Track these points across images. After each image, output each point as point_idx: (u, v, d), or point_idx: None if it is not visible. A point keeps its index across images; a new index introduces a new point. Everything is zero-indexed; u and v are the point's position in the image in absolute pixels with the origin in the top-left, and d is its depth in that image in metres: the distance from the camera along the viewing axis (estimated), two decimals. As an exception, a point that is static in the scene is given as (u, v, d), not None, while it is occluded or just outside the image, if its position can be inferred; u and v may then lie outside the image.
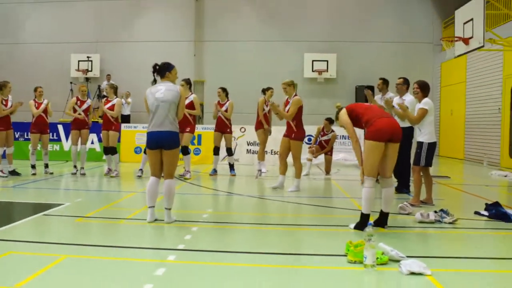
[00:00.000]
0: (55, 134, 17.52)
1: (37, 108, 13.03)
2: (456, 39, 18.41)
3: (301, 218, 7.88)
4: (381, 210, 7.03)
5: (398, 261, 5.24)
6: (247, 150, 17.34)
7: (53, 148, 17.46)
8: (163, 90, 7.27)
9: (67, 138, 17.30)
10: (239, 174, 13.91)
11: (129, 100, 22.46)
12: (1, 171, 12.37)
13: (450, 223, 7.32)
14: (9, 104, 12.55)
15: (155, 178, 7.25)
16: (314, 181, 13.06)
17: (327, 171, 14.30)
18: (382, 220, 7.02)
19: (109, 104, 13.02)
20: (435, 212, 7.54)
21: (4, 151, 12.65)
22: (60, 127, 17.72)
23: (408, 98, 10.15)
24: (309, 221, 7.77)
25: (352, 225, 6.97)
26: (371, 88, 16.39)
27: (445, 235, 6.83)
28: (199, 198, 9.95)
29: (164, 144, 7.01)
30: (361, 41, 23.18)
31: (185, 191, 10.72)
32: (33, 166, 13.02)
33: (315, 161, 15.17)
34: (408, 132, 9.97)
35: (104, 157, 13.56)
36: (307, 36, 23.24)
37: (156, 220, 7.30)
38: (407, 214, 8.08)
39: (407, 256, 5.34)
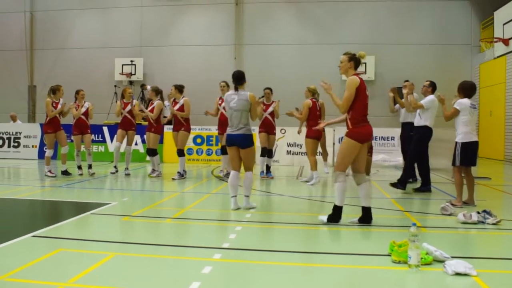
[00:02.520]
0: (99, 135, 17.77)
1: (77, 110, 13.26)
2: (495, 40, 18.04)
3: (343, 218, 7.80)
4: (363, 207, 7.16)
5: (442, 261, 5.14)
6: (287, 151, 17.33)
7: (98, 149, 17.72)
8: (236, 99, 8.20)
9: (111, 140, 17.53)
10: (279, 176, 13.89)
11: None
12: (50, 171, 12.62)
13: (493, 224, 7.15)
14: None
15: (235, 171, 8.24)
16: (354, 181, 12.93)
17: (367, 172, 14.11)
18: (367, 216, 7.15)
19: (150, 107, 13.22)
20: (478, 213, 7.37)
21: (55, 152, 12.95)
22: (105, 129, 17.96)
23: (428, 97, 10.55)
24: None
25: (324, 218, 7.14)
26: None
27: (489, 236, 6.67)
28: (240, 199, 9.93)
29: (239, 144, 8.03)
30: (399, 43, 22.90)
31: (226, 191, 10.75)
32: (79, 167, 13.28)
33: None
34: (423, 131, 10.39)
35: (148, 158, 13.71)
36: (345, 39, 23.04)
37: (238, 208, 8.16)
38: (449, 214, 7.92)
39: (452, 257, 5.22)
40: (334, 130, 17.19)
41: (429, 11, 23.05)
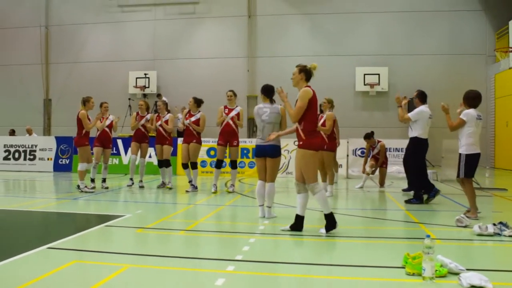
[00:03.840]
0: (114, 148, 17.89)
1: (101, 122, 13.32)
2: (511, 49, 17.94)
3: (356, 230, 7.77)
4: (297, 215, 7.39)
5: (457, 273, 5.10)
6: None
7: (112, 161, 17.82)
8: (268, 112, 8.62)
9: (126, 152, 17.64)
10: (292, 187, 13.86)
11: (186, 115, 22.85)
12: (86, 186, 12.47)
13: (510, 236, 7.08)
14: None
15: (262, 181, 8.53)
16: (368, 193, 12.90)
17: (381, 184, 14.08)
18: (299, 224, 7.37)
19: (162, 120, 13.35)
20: (494, 224, 7.31)
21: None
22: (119, 142, 18.09)
23: (416, 109, 10.79)
24: (364, 233, 7.66)
25: (323, 230, 7.22)
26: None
27: (506, 249, 6.61)
28: (254, 211, 9.95)
29: (270, 154, 8.39)
30: (412, 54, 22.87)
31: (240, 203, 10.79)
32: (93, 180, 13.17)
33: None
34: (414, 143, 10.64)
35: (160, 170, 13.78)
36: (358, 50, 23.09)
37: (264, 216, 8.45)
38: (464, 226, 7.87)
39: (467, 269, 5.19)
40: (348, 142, 17.17)
41: (442, 20, 23.02)
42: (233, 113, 12.46)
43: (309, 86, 7.36)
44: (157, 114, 13.77)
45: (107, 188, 13.26)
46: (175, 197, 11.88)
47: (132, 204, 10.73)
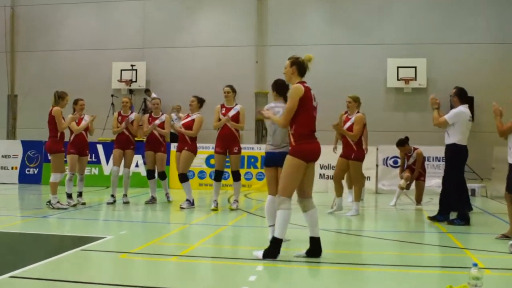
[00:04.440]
0: (93, 155, 17.96)
1: (78, 124, 13.15)
2: None
3: (387, 256, 7.72)
4: (311, 237, 7.33)
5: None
6: (320, 175, 17.31)
7: (91, 171, 17.89)
8: (281, 113, 8.11)
9: (107, 161, 17.70)
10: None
11: (181, 115, 22.66)
12: (59, 202, 12.33)
13: None
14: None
15: (273, 196, 8.21)
16: (402, 212, 12.86)
17: (418, 201, 14.00)
18: (315, 248, 7.32)
19: (157, 122, 13.37)
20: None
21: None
22: (100, 148, 18.16)
23: (454, 110, 10.85)
24: (396, 260, 7.62)
25: (259, 253, 7.17)
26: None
27: None
28: (263, 232, 9.92)
29: (281, 163, 7.78)
30: (457, 43, 22.75)
31: (245, 223, 10.77)
32: (70, 195, 13.00)
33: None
34: (452, 151, 10.70)
35: (149, 183, 13.78)
36: (386, 38, 22.94)
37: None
38: (520, 253, 7.80)
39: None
40: (377, 149, 17.13)
41: (490, 2, 22.89)
42: (231, 113, 12.45)
43: (302, 82, 7.40)
44: (149, 114, 13.81)
45: (84, 204, 13.24)
46: (167, 215, 11.89)
47: (114, 223, 10.72)
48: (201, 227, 10.48)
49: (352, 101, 12.04)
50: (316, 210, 7.36)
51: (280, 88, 8.79)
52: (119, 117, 13.66)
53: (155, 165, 13.65)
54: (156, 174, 13.73)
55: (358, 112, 11.97)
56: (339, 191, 12.08)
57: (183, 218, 11.56)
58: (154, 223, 10.92)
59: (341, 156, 12.17)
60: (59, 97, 12.32)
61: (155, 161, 13.58)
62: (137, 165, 17.58)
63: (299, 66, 7.52)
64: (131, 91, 23.73)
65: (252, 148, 17.67)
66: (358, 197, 12.09)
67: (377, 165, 17.07)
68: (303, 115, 7.23)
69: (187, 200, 12.75)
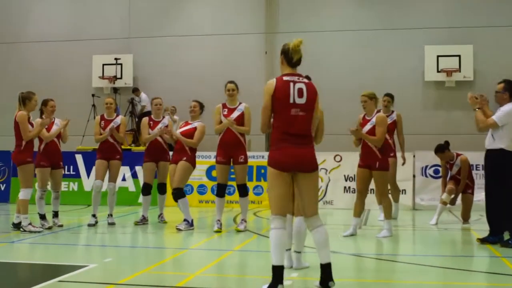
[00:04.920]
0: (71, 167, 18.01)
1: (48, 130, 13.06)
2: None
3: (428, 286, 7.70)
4: (321, 264, 7.18)
5: None
6: (345, 188, 17.31)
7: (69, 187, 17.92)
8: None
9: (88, 174, 17.75)
10: (334, 223, 13.86)
11: (176, 117, 22.58)
12: (31, 224, 12.27)
13: None
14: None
15: (288, 215, 8.06)
16: (446, 232, 12.82)
17: (465, 218, 13.91)
18: (325, 277, 7.14)
19: (160, 125, 13.62)
20: None
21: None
22: (79, 158, 18.21)
23: (504, 108, 10.70)
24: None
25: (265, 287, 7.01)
26: None
27: None
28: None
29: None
30: (508, 25, 22.67)
31: (254, 247, 10.76)
32: (43, 217, 12.99)
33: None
34: (497, 157, 10.61)
35: (141, 199, 13.85)
36: (422, 22, 22.85)
37: (291, 267, 8.27)
38: None
39: None
40: (414, 156, 17.10)
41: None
42: (235, 115, 12.45)
43: (288, 74, 7.32)
44: (148, 117, 13.94)
45: (60, 226, 13.22)
46: (161, 239, 11.89)
47: (97, 249, 10.73)
48: (201, 252, 10.49)
49: (368, 99, 11.76)
50: (323, 228, 7.21)
51: None
52: (102, 122, 13.68)
53: (153, 178, 13.77)
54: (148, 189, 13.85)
55: (378, 111, 11.86)
56: (357, 209, 11.94)
57: (180, 242, 11.57)
58: (146, 248, 10.91)
59: (360, 166, 11.86)
60: (25, 99, 12.23)
61: (155, 173, 13.76)
62: (124, 179, 17.62)
63: (285, 55, 7.45)
64: (115, 90, 23.79)
65: (262, 157, 17.55)
66: (389, 215, 11.91)
67: (414, 176, 17.04)
68: (277, 116, 7.16)
69: (185, 220, 12.76)
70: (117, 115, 13.88)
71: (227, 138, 12.37)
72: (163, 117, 13.93)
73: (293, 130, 7.07)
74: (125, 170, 17.47)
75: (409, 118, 17.52)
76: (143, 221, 13.69)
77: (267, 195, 16.85)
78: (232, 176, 12.71)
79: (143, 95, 23.14)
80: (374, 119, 11.66)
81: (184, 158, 12.80)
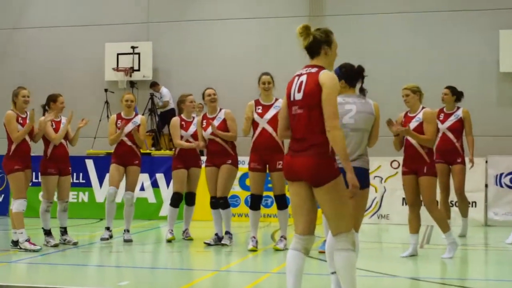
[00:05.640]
0: (81, 175, 18.12)
1: (56, 130, 13.06)
2: None
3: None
4: None
5: None
6: (404, 199, 17.23)
7: (78, 197, 18.03)
8: (354, 111, 8.18)
9: (101, 183, 17.82)
10: (390, 241, 13.84)
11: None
12: (29, 241, 12.20)
13: None
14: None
15: None
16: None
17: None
18: None
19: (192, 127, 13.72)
20: None
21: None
22: (89, 164, 18.29)
23: None
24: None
25: None
26: None
27: None
28: (323, 283, 9.94)
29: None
30: None
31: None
32: (48, 232, 13.03)
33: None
34: None
35: (164, 211, 13.93)
36: (503, 1, 22.78)
37: None
38: None
39: None
40: (486, 162, 16.97)
41: None
42: (271, 114, 12.38)
43: (306, 66, 7.21)
44: (179, 117, 14.04)
45: (75, 244, 13.15)
46: (187, 258, 11.95)
47: (112, 270, 10.79)
48: (233, 275, 10.54)
49: (411, 93, 11.65)
50: (345, 253, 6.96)
51: (351, 76, 8.68)
52: (119, 121, 13.70)
53: (184, 187, 13.85)
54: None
55: (424, 108, 11.66)
56: (413, 225, 11.76)
57: (209, 262, 11.62)
58: (169, 270, 10.92)
59: (406, 173, 11.78)
60: (13, 96, 12.48)
61: (186, 181, 13.82)
62: (142, 188, 17.64)
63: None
64: (132, 84, 23.76)
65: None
66: (446, 227, 11.64)
67: (486, 186, 16.88)
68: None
69: (227, 233, 12.96)
70: (136, 114, 13.95)
71: (262, 141, 12.31)
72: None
73: (293, 133, 7.05)
74: (143, 178, 17.45)
75: (480, 117, 17.47)
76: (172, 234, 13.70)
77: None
78: (269, 185, 12.73)
79: (164, 90, 23.19)
80: (420, 116, 11.54)
81: (229, 161, 12.83)
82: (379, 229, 16.06)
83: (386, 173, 17.03)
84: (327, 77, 6.75)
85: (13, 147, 12.24)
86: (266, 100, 12.47)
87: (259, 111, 12.37)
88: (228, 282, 10.00)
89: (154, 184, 17.86)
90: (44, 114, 13.02)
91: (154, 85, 23.37)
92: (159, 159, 18.44)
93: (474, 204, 16.42)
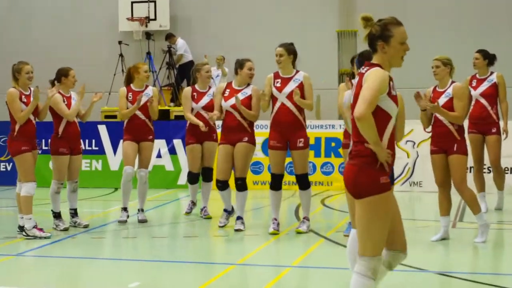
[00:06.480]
0: (94, 141, 18.13)
1: (68, 106, 13.00)
2: None
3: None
4: None
5: None
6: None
7: (91, 166, 18.08)
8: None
9: (115, 150, 17.84)
10: (421, 215, 13.83)
11: (226, 69, 22.41)
12: (36, 227, 12.31)
13: None
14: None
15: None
16: None
17: None
18: None
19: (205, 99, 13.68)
20: None
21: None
22: (102, 129, 18.27)
23: None
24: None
25: None
26: None
27: None
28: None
29: None
30: None
31: (321, 259, 10.74)
32: (58, 215, 13.11)
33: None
34: None
35: (189, 187, 14.18)
36: None
37: None
38: None
39: None
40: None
41: None
42: (290, 87, 12.19)
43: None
44: (191, 88, 14.05)
45: (86, 226, 13.24)
46: (204, 247, 11.94)
47: (122, 265, 10.76)
48: (252, 270, 10.51)
49: (442, 65, 11.45)
50: (361, 278, 6.77)
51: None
52: (130, 94, 13.63)
53: (199, 164, 14.02)
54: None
55: (453, 82, 11.54)
56: (444, 206, 11.78)
57: (227, 251, 11.62)
58: (181, 265, 10.76)
59: (435, 152, 11.73)
60: (15, 72, 12.35)
61: (201, 156, 13.95)
62: (159, 155, 17.63)
63: None
64: (148, 35, 23.68)
65: (333, 126, 17.47)
66: (477, 209, 11.54)
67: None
68: None
69: (239, 218, 12.81)
70: (147, 86, 13.91)
71: (281, 117, 12.16)
72: (209, 87, 14.02)
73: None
74: (160, 145, 17.45)
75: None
76: (193, 207, 14.30)
77: (338, 174, 17.03)
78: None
79: (180, 42, 23.15)
80: (450, 91, 11.43)
81: (246, 139, 12.62)
82: (411, 198, 16.02)
83: (419, 137, 16.78)
84: (367, 75, 6.52)
85: (17, 127, 12.16)
86: (283, 72, 12.30)
87: (278, 84, 12.20)
88: (245, 281, 10.02)
89: (172, 151, 17.95)
90: (52, 86, 12.95)
91: (169, 37, 23.31)
92: (176, 124, 18.52)
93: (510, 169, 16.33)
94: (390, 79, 6.49)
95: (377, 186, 6.44)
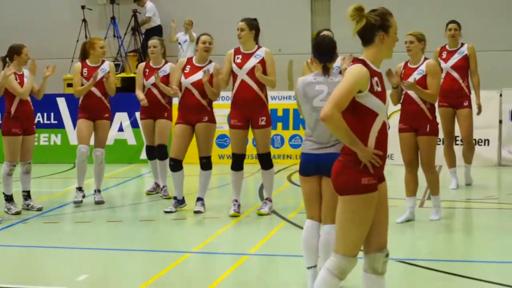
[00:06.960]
0: (52, 115, 18.03)
1: (21, 84, 12.96)
2: None
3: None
4: None
5: None
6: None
7: (50, 140, 17.98)
8: (326, 92, 8.05)
9: (74, 123, 17.74)
10: (392, 191, 13.73)
11: (194, 34, 22.04)
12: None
13: None
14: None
15: (313, 222, 8.21)
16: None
17: None
18: None
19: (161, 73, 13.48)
20: None
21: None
22: (61, 102, 18.18)
23: None
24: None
25: None
26: None
27: None
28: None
29: (328, 171, 7.36)
30: None
31: (280, 244, 10.71)
32: (10, 198, 13.12)
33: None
34: None
35: (149, 163, 14.33)
36: None
37: None
38: None
39: None
40: (500, 95, 16.76)
41: None
42: (251, 63, 12.14)
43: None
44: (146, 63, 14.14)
45: (39, 209, 13.25)
46: (161, 232, 11.92)
47: (73, 255, 10.68)
48: (209, 258, 10.47)
49: (416, 40, 11.44)
50: (326, 274, 6.63)
51: (318, 50, 8.47)
52: (85, 70, 13.59)
53: (153, 139, 14.02)
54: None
55: (426, 58, 11.58)
56: (410, 186, 11.85)
57: (184, 238, 11.59)
58: (135, 254, 10.76)
59: (404, 130, 11.75)
60: (13, 51, 12.80)
61: (157, 131, 13.90)
62: (120, 129, 17.59)
63: None
64: (112, 0, 23.53)
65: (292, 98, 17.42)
66: (437, 190, 11.84)
67: (500, 121, 16.71)
68: None
69: (199, 199, 12.88)
70: (103, 61, 13.82)
71: (242, 95, 12.17)
72: (165, 61, 13.98)
73: None
74: (122, 118, 17.45)
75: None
76: (157, 189, 14.31)
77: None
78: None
79: (149, 4, 22.92)
80: (423, 67, 11.41)
81: (206, 119, 12.64)
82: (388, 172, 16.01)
83: (390, 108, 16.77)
84: (344, 74, 6.49)
85: (13, 106, 12.60)
86: (246, 48, 12.25)
87: (238, 60, 12.19)
88: (200, 271, 9.90)
89: (134, 124, 17.77)
90: (3, 68, 12.86)
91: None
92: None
93: (486, 142, 16.37)
94: (375, 74, 6.33)
95: (357, 187, 6.34)
